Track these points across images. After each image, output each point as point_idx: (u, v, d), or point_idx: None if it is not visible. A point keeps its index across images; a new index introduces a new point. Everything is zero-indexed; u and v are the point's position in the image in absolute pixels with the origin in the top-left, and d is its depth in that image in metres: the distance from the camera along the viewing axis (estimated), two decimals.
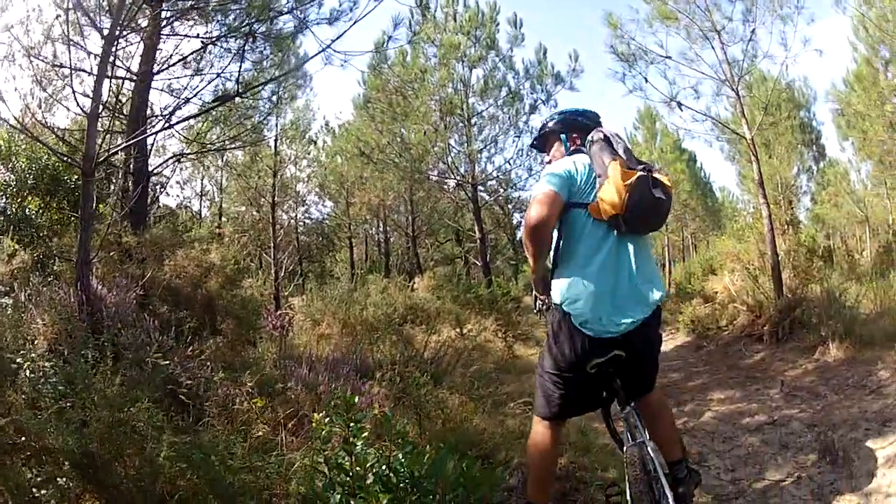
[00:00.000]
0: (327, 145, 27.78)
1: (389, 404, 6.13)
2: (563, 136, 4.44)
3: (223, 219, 25.88)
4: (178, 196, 24.82)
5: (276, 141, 19.15)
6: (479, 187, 22.63)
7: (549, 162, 4.45)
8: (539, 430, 4.07)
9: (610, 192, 3.73)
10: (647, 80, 13.11)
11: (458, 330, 11.84)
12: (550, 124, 4.51)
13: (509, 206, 34.13)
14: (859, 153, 24.84)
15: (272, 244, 18.33)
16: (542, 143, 4.62)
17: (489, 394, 7.68)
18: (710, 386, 9.55)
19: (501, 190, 26.40)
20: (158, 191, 13.56)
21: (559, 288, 3.88)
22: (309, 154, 23.79)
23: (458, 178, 22.23)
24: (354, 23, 7.49)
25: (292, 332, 10.91)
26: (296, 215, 25.81)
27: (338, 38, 6.78)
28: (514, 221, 38.44)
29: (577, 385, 3.95)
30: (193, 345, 6.59)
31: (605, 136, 4.03)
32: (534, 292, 4.33)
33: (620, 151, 3.90)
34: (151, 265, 8.31)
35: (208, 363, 6.06)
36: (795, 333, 10.47)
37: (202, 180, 27.09)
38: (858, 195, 25.87)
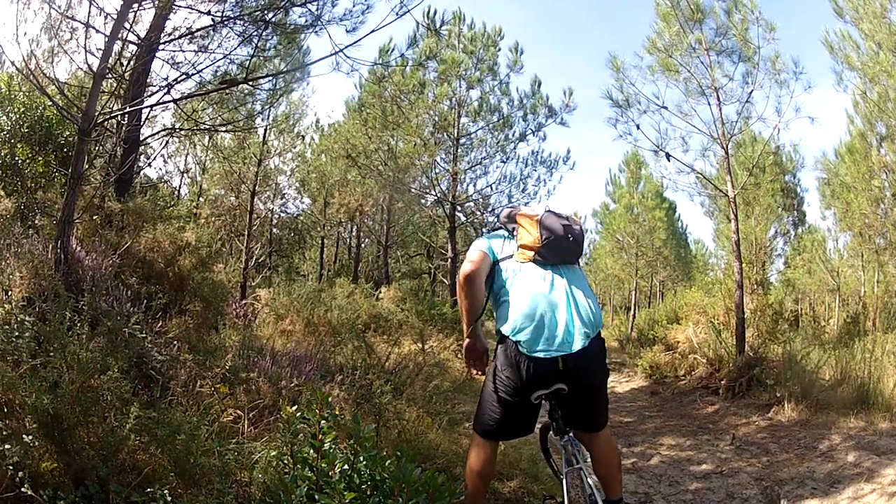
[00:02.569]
0: (314, 142, 27.72)
1: (349, 408, 6.13)
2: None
3: (201, 199, 25.72)
4: (160, 169, 24.66)
5: (265, 130, 19.06)
6: (458, 207, 22.66)
7: None
8: (478, 441, 4.27)
9: (524, 234, 4.24)
10: (638, 128, 13.22)
11: (419, 345, 11.82)
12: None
13: (483, 230, 34.21)
14: (840, 223, 25.17)
15: (246, 232, 18.20)
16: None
17: (446, 411, 7.75)
18: (662, 431, 9.56)
19: (479, 213, 26.46)
20: (144, 162, 13.45)
21: (504, 321, 4.02)
22: (295, 148, 23.70)
23: (439, 194, 22.26)
24: (372, 32, 7.44)
25: (256, 324, 10.88)
26: (273, 207, 25.72)
27: (352, 44, 6.68)
28: None
29: (517, 412, 4.08)
30: (162, 321, 6.57)
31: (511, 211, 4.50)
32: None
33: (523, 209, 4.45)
34: (130, 235, 8.25)
35: (175, 342, 6.05)
36: (752, 390, 10.56)
37: (186, 157, 26.94)
38: (833, 264, 26.16)
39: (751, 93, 12.28)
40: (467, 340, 4.33)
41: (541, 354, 3.82)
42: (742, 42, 12.24)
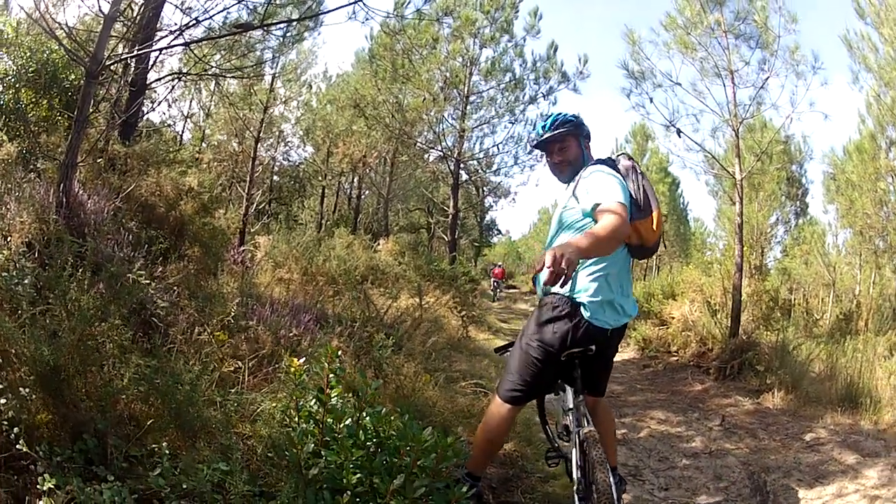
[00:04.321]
0: (321, 92, 27.61)
1: (349, 361, 6.12)
2: (581, 140, 4.44)
3: (204, 144, 25.66)
4: (163, 114, 24.59)
5: (273, 78, 18.96)
6: (462, 164, 22.74)
7: (565, 162, 4.39)
8: (500, 411, 4.27)
9: (649, 231, 4.11)
10: (651, 101, 13.11)
11: (417, 300, 11.80)
12: (568, 126, 4.37)
13: (485, 189, 34.31)
14: (841, 220, 25.18)
15: (248, 178, 18.16)
16: (559, 139, 4.39)
17: (443, 368, 7.78)
18: (652, 405, 9.59)
19: (482, 171, 26.54)
20: (149, 106, 13.36)
21: (580, 282, 4.01)
22: (301, 97, 23.60)
23: (444, 150, 22.32)
24: None
25: (253, 271, 10.86)
26: (275, 154, 25.66)
27: None
28: (486, 204, 38.67)
29: (549, 369, 4.14)
30: (162, 266, 6.55)
31: (642, 172, 4.26)
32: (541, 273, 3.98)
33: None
34: (133, 178, 8.22)
35: (175, 288, 6.02)
36: (743, 374, 10.59)
37: (191, 103, 26.84)
38: (830, 259, 26.20)
39: (766, 79, 12.15)
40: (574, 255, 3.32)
41: (600, 323, 3.97)
42: (762, 28, 12.09)
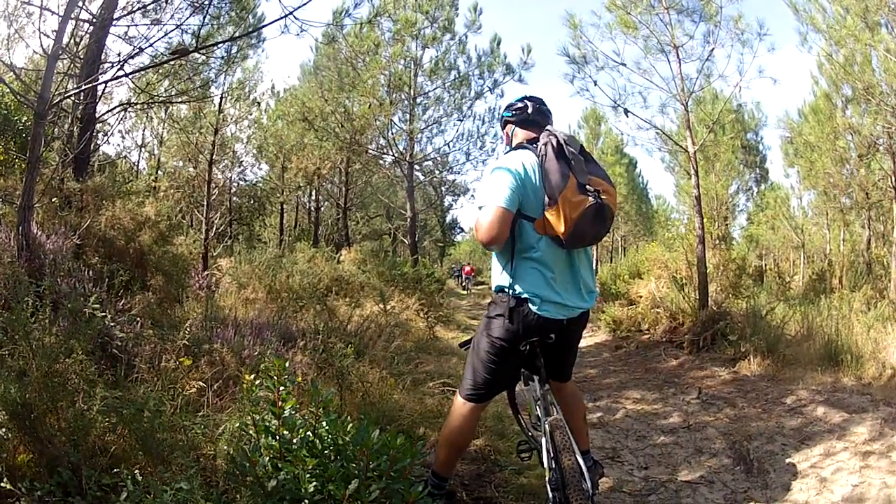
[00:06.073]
0: (270, 108, 27.49)
1: (312, 373, 6.20)
2: (502, 127, 4.56)
3: (160, 172, 25.52)
4: (118, 145, 24.41)
5: (221, 99, 18.91)
6: (416, 166, 22.82)
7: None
8: (462, 411, 4.22)
9: (557, 221, 3.76)
10: (595, 84, 13.15)
11: (381, 306, 11.88)
12: (505, 112, 4.47)
13: (442, 189, 34.29)
14: (803, 182, 25.48)
15: (205, 202, 18.13)
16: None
17: (409, 371, 7.82)
18: (627, 385, 9.57)
19: (437, 171, 26.58)
20: (102, 139, 13.38)
21: (518, 279, 3.96)
22: (251, 115, 23.49)
23: (397, 154, 22.36)
24: None
25: (218, 294, 10.93)
26: (231, 175, 25.53)
27: (302, 5, 6.64)
28: (446, 203, 38.67)
29: (508, 362, 4.14)
30: (124, 299, 6.64)
31: (557, 143, 3.93)
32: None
33: (573, 164, 3.86)
34: (90, 214, 8.27)
35: (138, 318, 6.11)
36: (716, 345, 10.55)
37: (143, 131, 26.71)
38: (797, 221, 26.40)
39: (711, 51, 12.19)
40: None
41: (550, 315, 3.93)
42: (704, 2, 12.11)
